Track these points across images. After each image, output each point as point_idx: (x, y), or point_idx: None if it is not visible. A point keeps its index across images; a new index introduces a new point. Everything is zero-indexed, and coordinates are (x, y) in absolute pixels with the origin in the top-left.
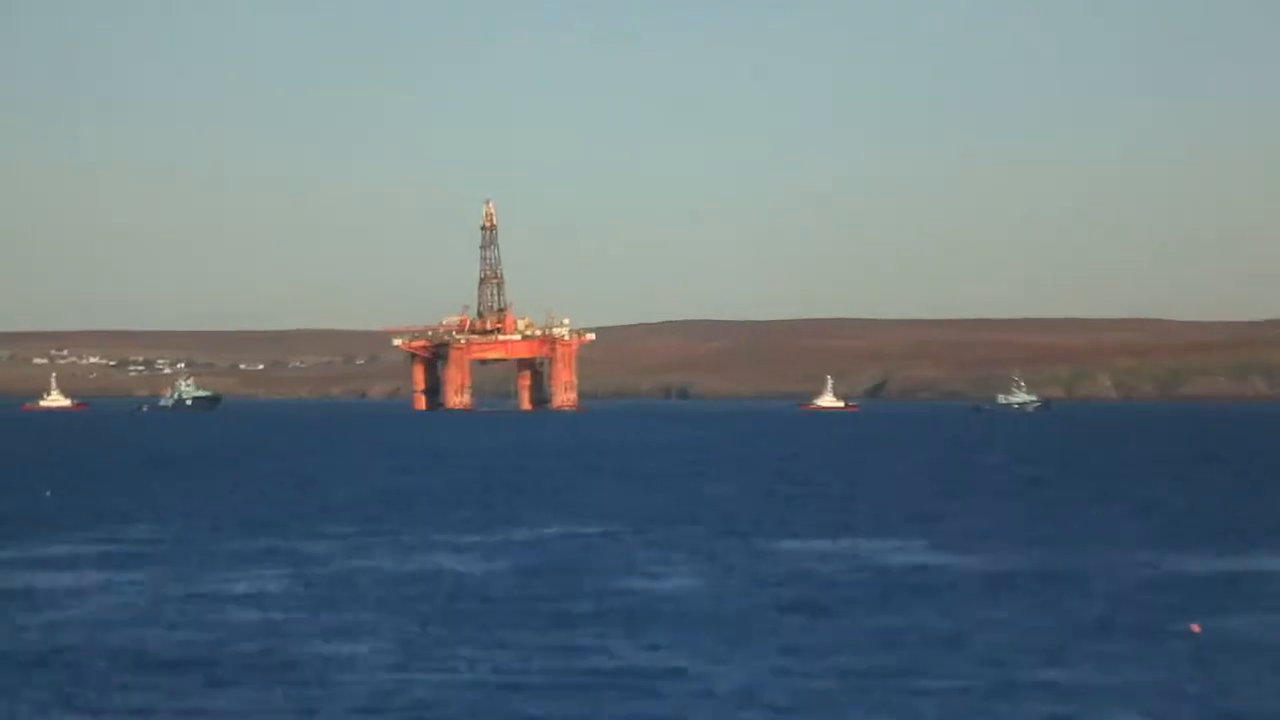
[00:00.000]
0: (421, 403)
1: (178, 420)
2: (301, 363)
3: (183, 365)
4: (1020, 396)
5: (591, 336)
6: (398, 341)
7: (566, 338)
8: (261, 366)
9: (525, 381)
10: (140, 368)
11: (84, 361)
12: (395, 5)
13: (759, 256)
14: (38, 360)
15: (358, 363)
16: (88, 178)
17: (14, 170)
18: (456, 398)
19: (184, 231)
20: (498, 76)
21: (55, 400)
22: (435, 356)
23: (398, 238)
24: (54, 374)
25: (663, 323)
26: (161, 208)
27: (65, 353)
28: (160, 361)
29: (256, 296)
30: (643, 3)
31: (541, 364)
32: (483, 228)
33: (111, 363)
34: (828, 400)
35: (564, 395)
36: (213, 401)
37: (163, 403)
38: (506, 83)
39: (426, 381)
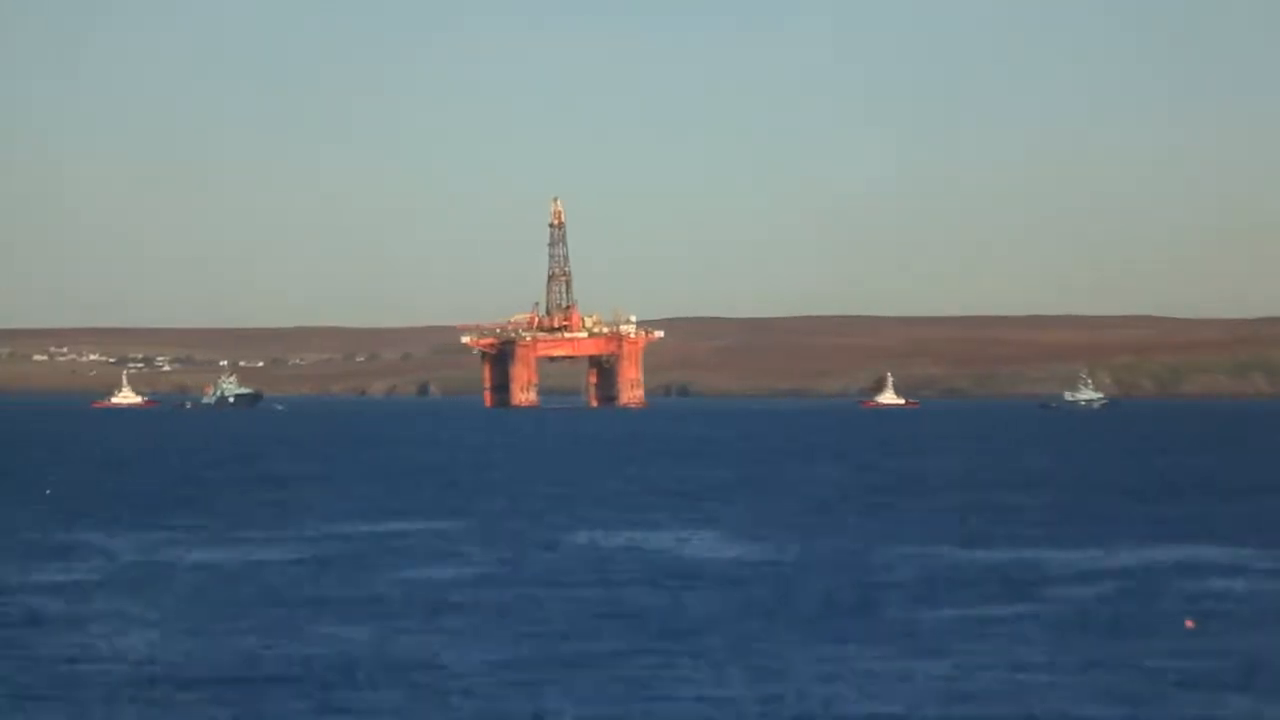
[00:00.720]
0: (489, 400)
1: (248, 418)
2: (301, 360)
3: (224, 364)
4: (1087, 394)
5: (660, 334)
6: (466, 339)
7: (633, 335)
8: (261, 364)
9: (593, 379)
10: (139, 365)
11: (83, 359)
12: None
13: (759, 254)
14: (37, 357)
15: (357, 360)
16: (88, 177)
17: (14, 169)
18: (522, 395)
19: (184, 231)
20: (495, 76)
21: (126, 397)
22: (502, 354)
23: (460, 238)
24: (125, 371)
25: (662, 320)
26: (161, 208)
27: (65, 350)
28: (160, 359)
29: (255, 294)
30: (641, 2)
31: (609, 361)
32: (551, 225)
33: (111, 359)
34: (889, 398)
35: (630, 392)
36: (254, 399)
37: (205, 400)
38: (505, 82)
39: (494, 379)
